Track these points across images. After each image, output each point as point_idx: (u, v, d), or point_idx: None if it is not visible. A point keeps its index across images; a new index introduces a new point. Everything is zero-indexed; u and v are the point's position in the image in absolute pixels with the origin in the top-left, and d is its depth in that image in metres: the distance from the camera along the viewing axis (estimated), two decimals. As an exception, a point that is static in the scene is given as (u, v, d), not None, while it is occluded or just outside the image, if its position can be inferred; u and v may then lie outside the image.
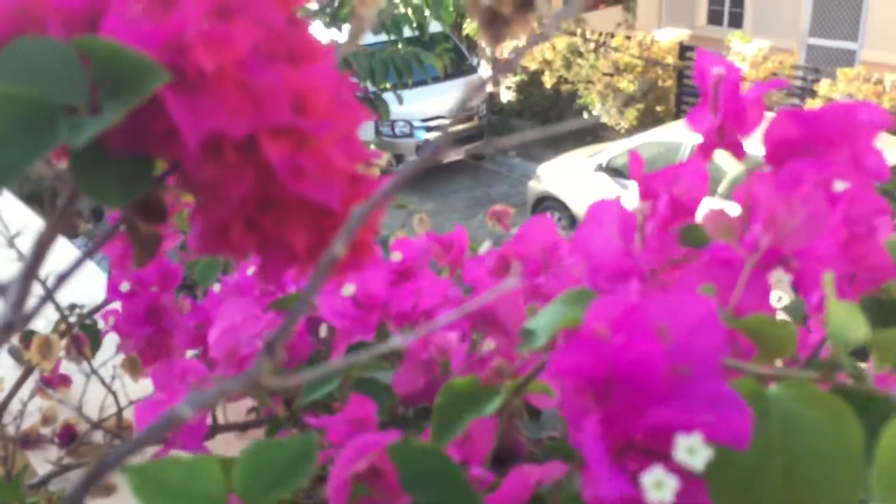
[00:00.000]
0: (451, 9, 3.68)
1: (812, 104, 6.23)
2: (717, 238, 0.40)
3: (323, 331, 0.60)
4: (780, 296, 0.38)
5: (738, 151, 0.47)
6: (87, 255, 0.31)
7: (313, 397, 0.53)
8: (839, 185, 0.39)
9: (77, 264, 0.30)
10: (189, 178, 0.24)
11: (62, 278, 0.29)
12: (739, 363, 0.33)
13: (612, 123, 7.54)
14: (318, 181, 0.24)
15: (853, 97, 6.06)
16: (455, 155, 7.38)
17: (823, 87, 6.27)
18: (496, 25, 0.30)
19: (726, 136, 0.47)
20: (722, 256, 0.40)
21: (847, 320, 0.30)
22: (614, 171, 5.18)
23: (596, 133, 7.55)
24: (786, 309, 0.39)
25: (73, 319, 0.94)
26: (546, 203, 5.77)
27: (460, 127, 7.40)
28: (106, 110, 0.24)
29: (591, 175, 5.33)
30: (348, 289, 0.55)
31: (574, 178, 5.50)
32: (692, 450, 0.26)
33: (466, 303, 0.42)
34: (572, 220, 5.46)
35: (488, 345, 0.47)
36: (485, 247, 0.74)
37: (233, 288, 0.70)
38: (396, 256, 0.73)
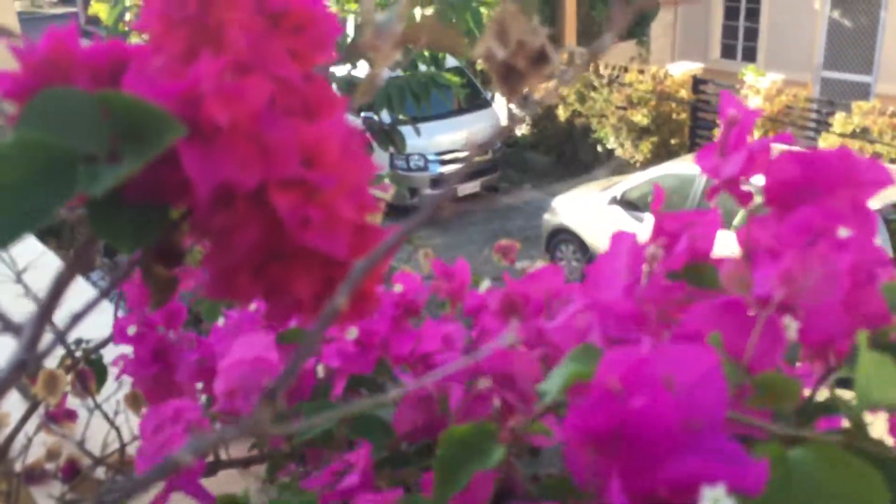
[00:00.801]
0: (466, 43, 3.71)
1: (827, 140, 6.23)
2: (731, 290, 0.40)
3: (320, 371, 0.61)
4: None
5: (744, 198, 0.48)
6: (103, 295, 0.31)
7: (311, 434, 0.53)
8: (843, 233, 0.40)
9: (92, 305, 0.30)
10: (200, 226, 0.25)
11: (76, 318, 0.30)
12: (760, 422, 0.33)
13: (626, 157, 7.56)
14: (325, 232, 0.24)
15: (868, 130, 6.05)
16: (471, 188, 7.43)
17: (838, 120, 6.27)
18: (512, 79, 0.31)
19: (735, 182, 0.47)
20: (731, 304, 0.40)
21: (878, 377, 0.30)
22: (628, 204, 5.18)
23: (610, 166, 7.57)
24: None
25: (78, 354, 0.95)
26: (561, 236, 5.77)
27: (476, 160, 7.43)
28: (125, 160, 0.25)
29: (605, 208, 5.34)
30: (352, 332, 0.56)
31: (588, 210, 5.51)
32: (717, 501, 0.26)
33: (473, 354, 0.43)
34: (586, 253, 5.46)
35: (483, 382, 0.47)
36: (484, 285, 0.74)
37: (236, 322, 0.71)
38: (398, 288, 0.74)
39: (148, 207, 0.26)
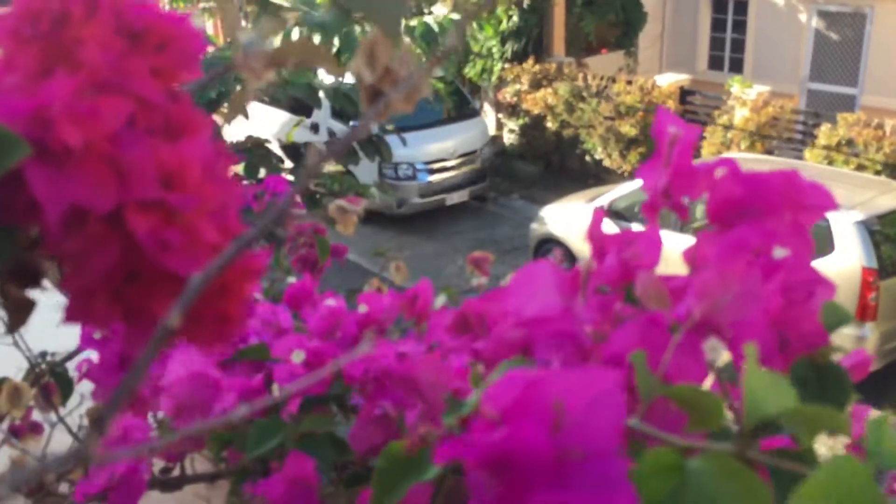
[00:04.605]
0: (454, 55, 3.72)
1: (813, 152, 6.26)
2: (649, 306, 0.39)
3: (275, 391, 0.60)
4: (715, 358, 0.38)
5: (682, 213, 0.47)
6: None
7: (261, 451, 0.52)
8: (779, 253, 0.39)
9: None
10: (53, 248, 0.24)
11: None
12: (659, 433, 0.32)
13: (614, 167, 7.58)
14: (183, 254, 0.23)
15: (853, 142, 6.08)
16: (459, 197, 7.43)
17: (824, 131, 6.30)
18: (378, 102, 0.30)
19: (673, 196, 0.47)
20: (655, 321, 0.39)
21: (765, 392, 0.30)
22: (616, 214, 5.19)
23: (598, 176, 7.59)
24: (721, 371, 0.39)
25: (44, 367, 0.93)
26: (548, 245, 5.78)
27: (464, 169, 7.46)
28: (-27, 181, 0.24)
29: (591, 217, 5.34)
30: (298, 356, 0.55)
31: (576, 220, 5.51)
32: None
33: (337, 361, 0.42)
34: (573, 262, 5.46)
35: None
36: (439, 301, 0.73)
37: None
38: (363, 308, 0.73)
39: (-2, 230, 0.24)
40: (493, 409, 0.26)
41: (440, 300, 0.75)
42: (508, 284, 0.43)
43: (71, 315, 0.24)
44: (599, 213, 0.50)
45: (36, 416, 0.97)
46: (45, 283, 0.28)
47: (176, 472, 0.82)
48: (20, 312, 0.27)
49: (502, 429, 0.26)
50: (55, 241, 0.23)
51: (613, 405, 0.27)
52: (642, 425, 0.32)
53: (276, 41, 0.26)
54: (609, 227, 0.51)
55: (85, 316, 0.24)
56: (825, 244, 4.24)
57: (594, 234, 0.50)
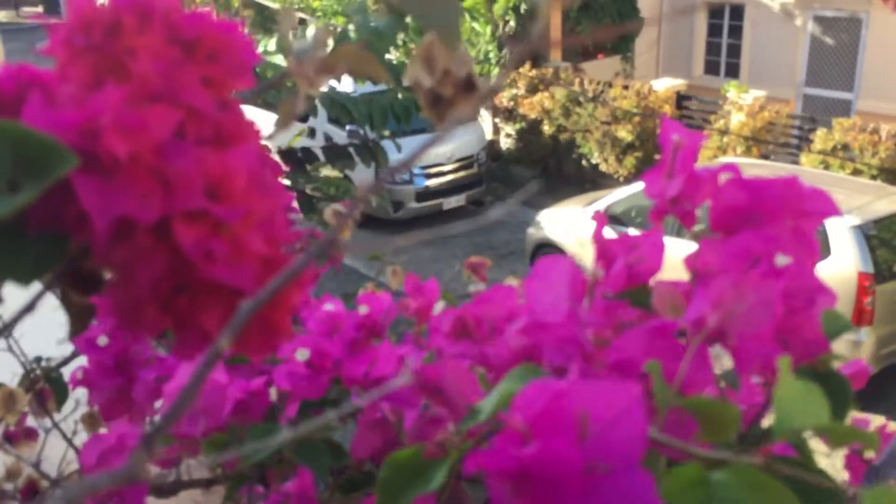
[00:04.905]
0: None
1: (809, 157, 6.28)
2: (664, 314, 0.40)
3: (273, 395, 0.60)
4: (718, 363, 0.38)
5: (689, 220, 0.48)
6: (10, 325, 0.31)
7: (259, 458, 0.53)
8: (781, 260, 0.40)
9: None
10: (102, 258, 0.25)
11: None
12: (684, 445, 0.33)
13: (611, 171, 7.59)
14: (231, 265, 0.24)
15: (849, 147, 6.10)
16: (456, 202, 7.43)
17: (820, 136, 6.32)
18: (439, 106, 0.31)
19: (681, 204, 0.47)
20: (662, 328, 0.40)
21: (797, 404, 0.30)
22: (612, 219, 5.20)
23: (595, 180, 7.60)
24: (723, 376, 0.40)
25: (39, 372, 0.93)
26: (545, 250, 5.78)
27: (461, 174, 7.46)
28: (22, 190, 0.24)
29: (589, 223, 5.35)
30: (303, 353, 0.56)
31: (573, 225, 5.52)
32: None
33: (412, 371, 0.43)
34: (570, 268, 5.46)
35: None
36: (439, 306, 0.74)
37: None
38: (363, 310, 0.73)
39: (49, 238, 0.25)
40: (522, 421, 0.27)
41: (439, 305, 0.76)
42: (527, 279, 0.43)
43: (121, 323, 0.25)
44: (602, 218, 0.50)
45: (31, 421, 0.97)
46: (38, 285, 0.28)
47: (172, 478, 0.82)
48: (81, 318, 0.28)
49: (534, 442, 0.26)
50: (103, 251, 0.24)
51: (636, 418, 0.28)
52: (661, 436, 0.32)
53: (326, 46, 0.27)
54: (606, 231, 0.51)
55: (134, 324, 0.25)
56: (821, 249, 4.25)
57: (598, 239, 0.51)
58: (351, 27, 1.96)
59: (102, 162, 0.24)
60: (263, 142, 0.30)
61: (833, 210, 0.45)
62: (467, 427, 0.37)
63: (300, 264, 0.21)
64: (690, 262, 0.47)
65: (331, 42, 0.27)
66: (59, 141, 0.23)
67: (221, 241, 0.24)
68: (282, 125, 0.31)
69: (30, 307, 0.26)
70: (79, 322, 0.31)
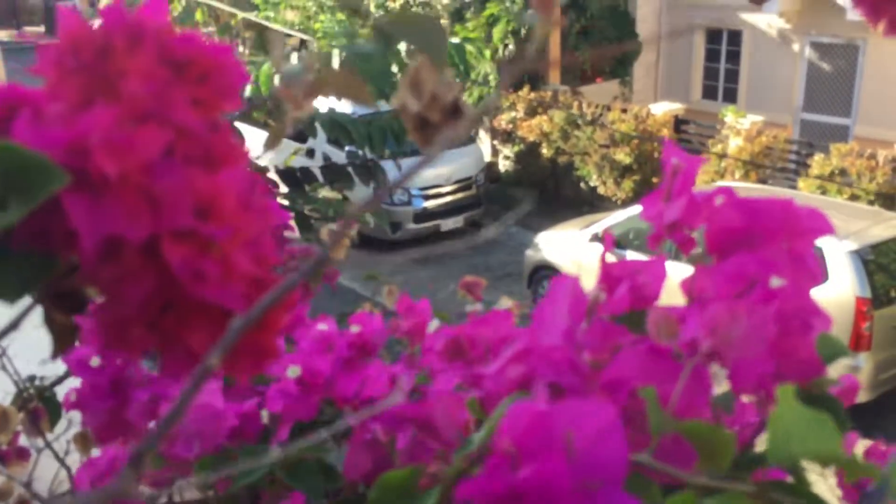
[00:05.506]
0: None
1: (806, 182, 6.31)
2: (659, 339, 0.40)
3: (264, 417, 0.60)
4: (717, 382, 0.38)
5: (687, 245, 0.48)
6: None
7: (251, 479, 0.52)
8: (776, 282, 0.39)
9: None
10: (90, 276, 0.24)
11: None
12: (674, 470, 0.32)
13: (609, 194, 7.61)
14: (218, 285, 0.24)
15: (846, 172, 6.13)
16: (454, 223, 7.44)
17: (817, 161, 6.35)
18: (426, 130, 0.31)
19: (679, 229, 0.47)
20: (656, 350, 0.39)
21: (796, 429, 0.29)
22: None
23: (593, 203, 7.62)
24: (716, 399, 0.39)
25: (32, 391, 0.93)
26: (543, 272, 5.78)
27: (459, 195, 7.48)
28: (10, 207, 0.24)
29: (587, 245, 5.36)
30: (294, 370, 0.55)
31: (571, 247, 5.53)
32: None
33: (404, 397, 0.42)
34: (568, 290, 5.45)
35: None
36: (433, 326, 0.73)
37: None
38: (355, 329, 0.73)
39: (35, 256, 0.25)
40: (508, 443, 0.27)
41: (434, 325, 0.76)
42: (541, 302, 0.43)
43: (106, 342, 0.25)
44: (611, 238, 0.50)
45: (23, 441, 0.96)
46: (25, 303, 0.28)
47: (163, 499, 0.81)
48: (65, 338, 0.27)
49: (525, 465, 0.26)
50: (92, 270, 0.24)
51: (617, 439, 0.27)
52: (650, 461, 0.32)
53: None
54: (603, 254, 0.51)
55: (119, 344, 0.25)
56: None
57: (604, 261, 0.51)
58: (335, 51, 1.98)
59: (92, 180, 0.24)
60: (257, 160, 0.29)
61: (827, 228, 0.45)
62: (460, 458, 0.37)
63: (288, 284, 0.21)
64: (687, 286, 0.47)
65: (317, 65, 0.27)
66: (49, 159, 0.22)
67: (210, 260, 0.24)
68: (270, 145, 0.31)
69: (14, 325, 0.25)
70: (62, 342, 0.30)
